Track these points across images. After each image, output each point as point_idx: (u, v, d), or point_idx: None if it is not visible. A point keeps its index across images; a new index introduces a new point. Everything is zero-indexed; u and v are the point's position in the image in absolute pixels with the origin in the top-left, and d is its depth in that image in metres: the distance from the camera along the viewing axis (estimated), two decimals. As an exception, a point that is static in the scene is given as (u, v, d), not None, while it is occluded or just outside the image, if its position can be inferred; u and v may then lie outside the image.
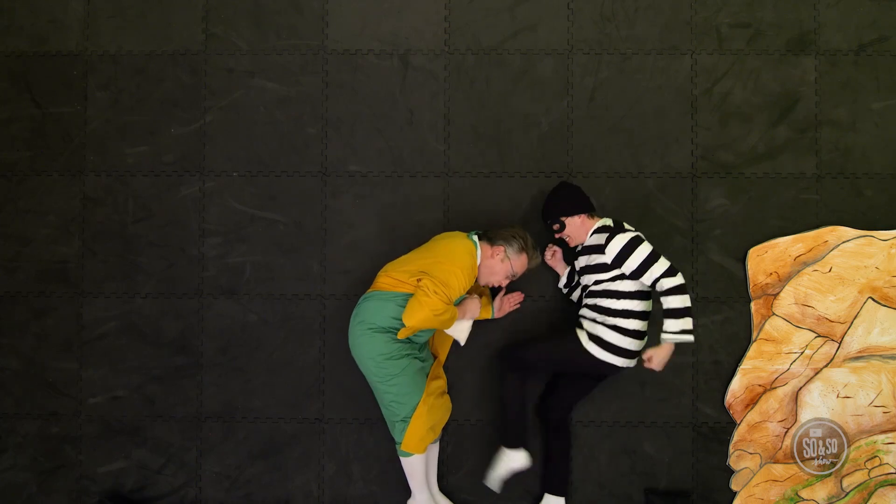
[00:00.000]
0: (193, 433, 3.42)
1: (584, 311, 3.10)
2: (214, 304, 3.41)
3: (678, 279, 2.86)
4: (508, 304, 3.32)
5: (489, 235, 3.08)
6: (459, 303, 3.09)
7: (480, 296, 3.23)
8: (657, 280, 2.86)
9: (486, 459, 3.36)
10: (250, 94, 3.43)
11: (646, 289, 2.98)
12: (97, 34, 3.44)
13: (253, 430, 3.41)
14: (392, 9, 3.43)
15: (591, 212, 3.09)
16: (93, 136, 3.43)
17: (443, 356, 3.30)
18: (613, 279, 2.96)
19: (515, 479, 3.38)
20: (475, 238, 3.07)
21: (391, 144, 3.42)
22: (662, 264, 2.87)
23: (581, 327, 3.08)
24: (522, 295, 3.34)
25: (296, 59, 3.43)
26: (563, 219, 3.06)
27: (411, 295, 2.93)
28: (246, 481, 3.41)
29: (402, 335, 2.95)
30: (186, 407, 3.41)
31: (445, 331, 3.11)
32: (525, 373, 3.08)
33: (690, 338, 2.85)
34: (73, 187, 3.43)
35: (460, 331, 3.12)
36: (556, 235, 3.13)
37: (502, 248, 3.04)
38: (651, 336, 3.04)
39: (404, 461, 3.10)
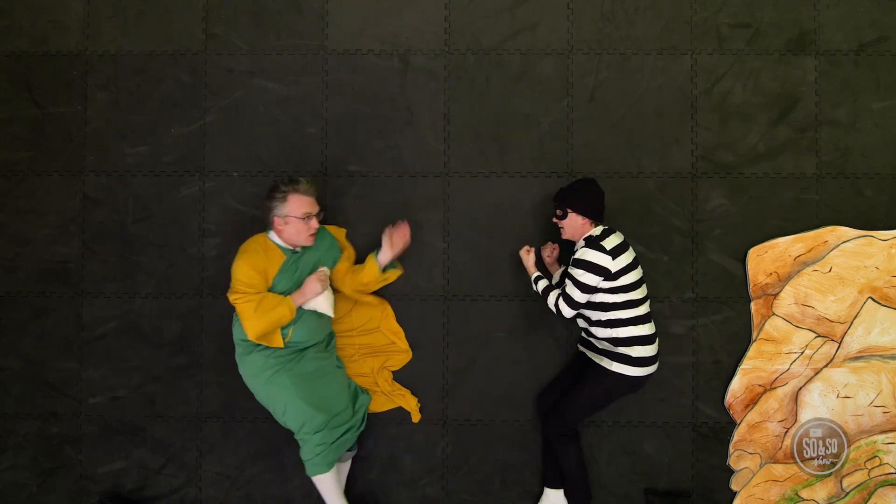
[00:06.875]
0: (193, 433, 3.42)
1: (589, 336, 3.14)
2: (214, 304, 3.41)
3: (551, 301, 3.03)
4: (398, 239, 3.13)
5: (267, 218, 3.03)
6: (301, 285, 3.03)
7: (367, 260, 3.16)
8: (561, 288, 3.01)
9: (486, 459, 3.36)
10: (250, 94, 3.42)
11: (636, 297, 2.98)
12: (97, 34, 3.44)
13: (253, 430, 3.41)
14: (392, 9, 3.43)
15: (597, 221, 3.09)
16: (93, 136, 3.43)
17: (400, 341, 3.31)
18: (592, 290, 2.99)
19: (515, 478, 3.38)
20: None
21: (391, 144, 3.42)
22: (571, 289, 2.96)
23: (593, 350, 3.11)
24: (406, 225, 3.17)
25: (296, 59, 3.43)
26: (568, 210, 3.06)
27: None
28: (246, 481, 3.41)
29: (265, 342, 2.94)
30: (186, 407, 3.41)
31: (306, 307, 3.01)
32: (577, 434, 3.18)
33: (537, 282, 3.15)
34: (73, 187, 3.43)
35: (317, 306, 3.04)
36: (554, 219, 3.13)
37: (274, 216, 2.98)
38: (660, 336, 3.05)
39: (315, 479, 3.07)
